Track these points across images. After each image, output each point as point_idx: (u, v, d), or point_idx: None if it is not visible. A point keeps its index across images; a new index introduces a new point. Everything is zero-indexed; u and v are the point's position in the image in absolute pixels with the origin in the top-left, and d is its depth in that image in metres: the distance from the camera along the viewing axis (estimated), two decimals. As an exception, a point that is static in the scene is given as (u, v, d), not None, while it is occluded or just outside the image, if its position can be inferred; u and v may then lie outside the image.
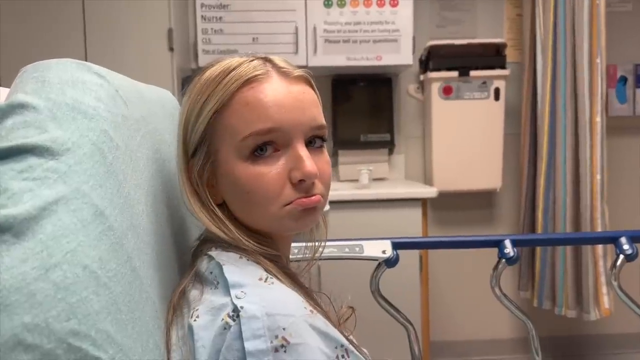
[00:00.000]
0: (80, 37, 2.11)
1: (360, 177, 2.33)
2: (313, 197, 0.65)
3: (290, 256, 0.78)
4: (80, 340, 0.46)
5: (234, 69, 0.65)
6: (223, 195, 0.68)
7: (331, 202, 2.03)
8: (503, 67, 2.47)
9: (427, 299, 2.21)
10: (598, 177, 2.23)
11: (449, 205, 2.65)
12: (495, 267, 1.22)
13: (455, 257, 2.61)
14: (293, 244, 0.78)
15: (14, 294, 0.45)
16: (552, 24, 2.30)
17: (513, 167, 2.63)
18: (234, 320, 0.55)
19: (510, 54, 2.57)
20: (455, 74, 2.45)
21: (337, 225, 2.02)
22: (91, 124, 0.59)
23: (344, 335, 0.62)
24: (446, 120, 2.49)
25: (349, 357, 0.58)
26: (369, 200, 2.14)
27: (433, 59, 2.48)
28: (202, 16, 2.32)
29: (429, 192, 2.18)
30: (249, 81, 0.64)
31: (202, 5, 2.32)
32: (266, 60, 0.68)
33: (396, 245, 1.21)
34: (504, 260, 1.20)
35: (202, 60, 2.33)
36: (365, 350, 0.69)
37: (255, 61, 0.67)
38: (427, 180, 2.64)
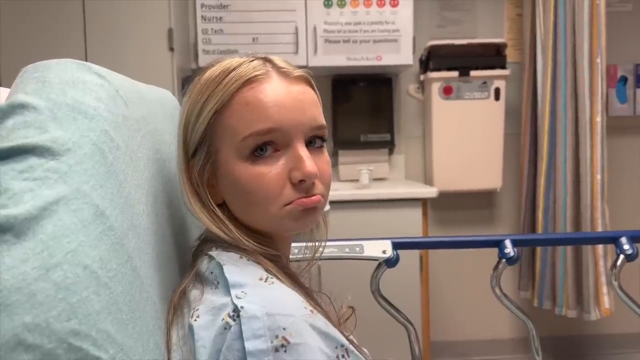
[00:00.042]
0: (80, 37, 2.11)
1: (360, 177, 2.34)
2: (313, 197, 0.65)
3: (291, 256, 0.78)
4: (80, 340, 0.46)
5: (234, 69, 0.65)
6: (223, 195, 0.68)
7: (331, 202, 2.03)
8: (503, 67, 2.47)
9: (428, 299, 2.21)
10: (598, 177, 2.23)
11: (449, 205, 2.65)
12: (496, 267, 1.22)
13: (455, 257, 2.61)
14: (293, 244, 0.78)
15: (14, 294, 0.45)
16: (552, 23, 2.30)
17: (513, 167, 2.63)
18: (234, 320, 0.55)
19: (510, 54, 2.57)
20: (455, 74, 2.45)
21: (338, 225, 2.01)
22: (92, 124, 0.59)
23: (344, 335, 0.62)
24: (446, 120, 2.49)
25: (349, 357, 0.58)
26: (369, 200, 2.14)
27: (433, 59, 2.48)
28: (202, 16, 2.32)
29: (429, 192, 2.18)
30: (249, 81, 0.65)
31: (202, 5, 2.32)
32: (266, 60, 0.68)
33: (396, 245, 1.21)
34: (504, 260, 1.20)
35: (202, 60, 2.33)
36: (365, 350, 0.69)
37: (255, 61, 0.67)
38: (428, 180, 2.64)
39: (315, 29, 2.33)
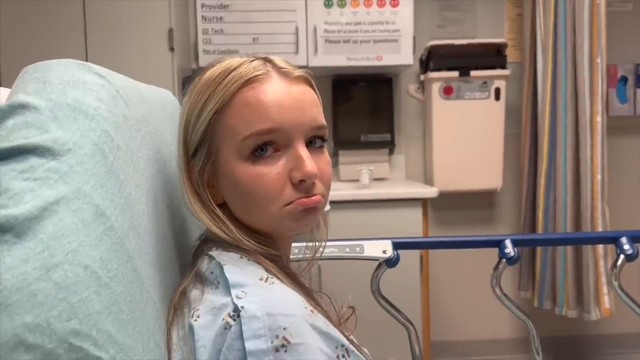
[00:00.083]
0: (80, 37, 2.11)
1: (360, 177, 2.34)
2: (313, 197, 0.65)
3: (291, 256, 0.78)
4: (81, 340, 0.46)
5: (234, 70, 0.66)
6: (223, 195, 0.68)
7: (332, 202, 2.03)
8: (503, 67, 2.47)
9: (428, 299, 2.21)
10: (599, 177, 2.23)
11: (450, 205, 2.65)
12: (496, 267, 1.22)
13: (455, 257, 2.61)
14: (294, 244, 0.78)
15: (15, 294, 0.45)
16: (552, 23, 2.30)
17: (513, 167, 2.63)
18: (234, 320, 0.55)
19: (510, 54, 2.57)
20: (455, 74, 2.45)
21: (338, 225, 2.02)
22: (92, 124, 0.59)
23: (345, 335, 0.62)
24: (447, 120, 2.49)
25: (349, 357, 0.58)
26: (369, 200, 2.14)
27: (433, 59, 2.48)
28: (202, 16, 2.32)
29: (430, 192, 2.18)
30: (250, 81, 0.65)
31: (203, 5, 2.32)
32: (266, 60, 0.68)
33: (397, 245, 1.21)
34: (504, 260, 1.20)
35: (203, 60, 2.33)
36: (365, 350, 0.69)
37: (256, 61, 0.67)
38: (428, 180, 2.64)
39: (315, 29, 2.33)
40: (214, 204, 0.67)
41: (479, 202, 2.69)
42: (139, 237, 0.61)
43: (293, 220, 0.66)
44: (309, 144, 0.67)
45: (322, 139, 0.69)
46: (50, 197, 0.51)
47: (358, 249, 1.21)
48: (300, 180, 0.64)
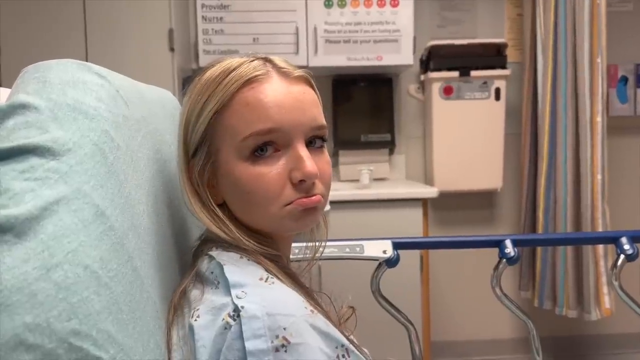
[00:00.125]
0: (81, 38, 2.11)
1: (360, 177, 2.34)
2: (313, 197, 0.65)
3: (291, 256, 0.78)
4: (81, 340, 0.46)
5: (234, 70, 0.66)
6: (223, 195, 0.68)
7: (332, 202, 2.03)
8: (504, 67, 2.47)
9: (428, 299, 2.21)
10: (599, 177, 2.23)
11: (450, 205, 2.65)
12: (496, 267, 1.22)
13: (456, 257, 2.61)
14: (294, 244, 0.78)
15: (15, 294, 0.45)
16: (552, 23, 2.30)
17: (514, 167, 2.63)
18: (234, 320, 0.55)
19: (510, 54, 2.57)
20: (455, 74, 2.45)
21: (338, 225, 2.02)
22: (92, 124, 0.59)
23: (345, 335, 0.62)
24: (447, 121, 2.49)
25: (349, 357, 0.58)
26: (369, 200, 2.14)
27: (434, 59, 2.48)
28: (202, 16, 2.32)
29: (430, 192, 2.18)
30: (249, 81, 0.65)
31: (203, 5, 2.32)
32: (266, 60, 0.68)
33: (397, 245, 1.21)
34: (504, 260, 1.20)
35: (203, 60, 2.33)
36: (366, 350, 0.69)
37: (256, 61, 0.67)
38: (428, 181, 2.64)
39: (315, 29, 2.33)
40: (213, 204, 0.67)
41: (479, 202, 2.69)
42: (139, 237, 0.61)
43: (293, 220, 0.66)
44: (309, 144, 0.67)
45: (322, 139, 0.69)
46: (50, 197, 0.51)
47: (358, 249, 1.21)
48: (300, 180, 0.64)
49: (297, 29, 2.32)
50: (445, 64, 2.46)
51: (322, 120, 0.68)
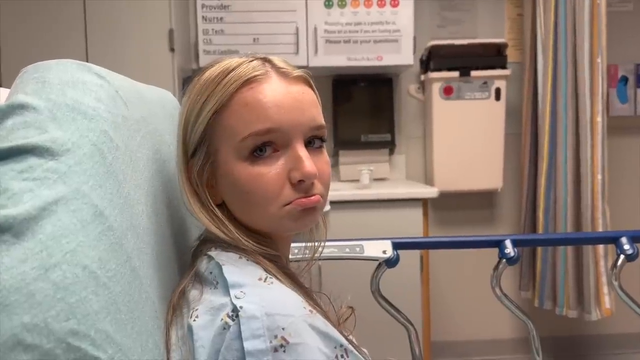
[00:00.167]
0: (81, 38, 2.11)
1: (361, 177, 2.33)
2: (312, 197, 0.65)
3: (290, 256, 0.78)
4: (79, 340, 0.46)
5: (233, 70, 0.66)
6: (222, 195, 0.68)
7: (332, 202, 2.04)
8: (504, 67, 2.47)
9: (428, 299, 2.21)
10: (599, 177, 2.23)
11: (450, 205, 2.65)
12: (496, 267, 1.22)
13: (456, 257, 2.60)
14: (293, 244, 0.78)
15: (13, 294, 0.45)
16: (552, 23, 2.30)
17: (514, 167, 2.62)
18: (233, 320, 0.55)
19: (511, 54, 2.57)
20: (456, 74, 2.45)
21: (338, 225, 2.03)
22: (91, 124, 0.59)
23: (344, 335, 0.62)
24: (447, 121, 2.49)
25: (348, 357, 0.58)
26: (369, 200, 2.14)
27: (434, 59, 2.47)
28: (202, 17, 2.32)
29: (430, 192, 2.18)
30: (248, 82, 0.65)
31: (203, 5, 2.32)
32: (265, 60, 0.68)
33: (396, 246, 1.21)
34: (504, 260, 1.20)
35: (203, 60, 2.33)
36: (365, 351, 0.69)
37: (255, 62, 0.67)
38: (428, 181, 2.63)
39: (315, 29, 2.33)
40: (213, 204, 0.67)
41: (479, 202, 2.69)
42: (138, 237, 0.61)
43: (292, 221, 0.66)
44: (308, 144, 0.67)
45: (321, 139, 0.69)
46: (49, 197, 0.51)
47: (358, 249, 1.21)
48: (299, 181, 0.64)
49: (297, 29, 2.32)
50: (445, 64, 2.46)
51: (321, 120, 0.68)
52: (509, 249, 1.19)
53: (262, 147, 0.64)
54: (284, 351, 0.53)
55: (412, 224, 2.13)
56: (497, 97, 2.47)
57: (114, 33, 2.13)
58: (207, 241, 0.69)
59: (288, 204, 0.64)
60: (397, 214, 2.13)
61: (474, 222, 2.69)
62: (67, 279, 0.48)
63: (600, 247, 2.23)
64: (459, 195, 2.59)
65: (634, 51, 2.64)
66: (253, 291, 0.58)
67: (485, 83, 2.46)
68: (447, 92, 2.46)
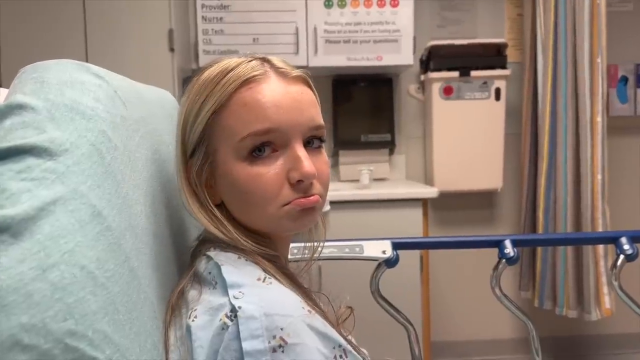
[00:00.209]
0: (81, 38, 2.11)
1: (360, 177, 2.33)
2: (311, 197, 0.65)
3: (290, 256, 0.78)
4: (77, 341, 0.46)
5: (232, 70, 0.65)
6: (221, 195, 0.68)
7: (332, 202, 2.03)
8: (504, 67, 2.47)
9: (428, 299, 2.21)
10: (599, 177, 2.23)
11: (450, 205, 2.65)
12: (496, 268, 1.22)
13: (456, 257, 2.60)
14: (293, 245, 0.77)
15: (11, 295, 0.45)
16: (552, 23, 2.29)
17: (514, 167, 2.62)
18: (231, 320, 0.55)
19: (511, 54, 2.57)
20: (456, 74, 2.45)
21: (338, 225, 2.02)
22: (89, 124, 0.59)
23: (343, 336, 0.62)
24: (447, 121, 2.49)
25: (347, 357, 0.58)
26: (369, 200, 2.14)
27: (434, 59, 2.47)
28: (202, 17, 2.32)
29: (430, 192, 2.18)
30: (247, 82, 0.65)
31: (203, 5, 2.32)
32: (264, 60, 0.68)
33: (396, 246, 1.21)
34: (504, 260, 1.20)
35: (203, 60, 2.33)
36: (364, 351, 0.69)
37: (254, 62, 0.67)
38: (428, 181, 2.63)
39: (315, 29, 2.33)
40: (211, 204, 0.67)
41: (479, 202, 2.69)
42: (137, 238, 0.61)
43: (291, 221, 0.65)
44: (307, 144, 0.67)
45: (320, 139, 0.69)
46: (47, 198, 0.51)
47: (357, 249, 1.21)
48: (298, 181, 0.64)
49: (297, 29, 2.32)
50: (445, 64, 2.46)
51: (320, 120, 0.68)
52: (509, 249, 1.19)
53: (261, 147, 0.64)
54: (283, 351, 0.53)
55: (412, 224, 2.13)
56: (497, 97, 2.47)
57: (113, 33, 2.13)
58: (206, 241, 0.69)
59: (287, 204, 0.64)
60: (397, 214, 2.13)
61: (474, 222, 2.69)
62: (65, 279, 0.48)
63: (600, 247, 2.23)
64: (458, 195, 2.59)
65: (634, 51, 2.64)
66: (252, 291, 0.57)
67: (485, 83, 2.46)
68: (447, 92, 2.46)
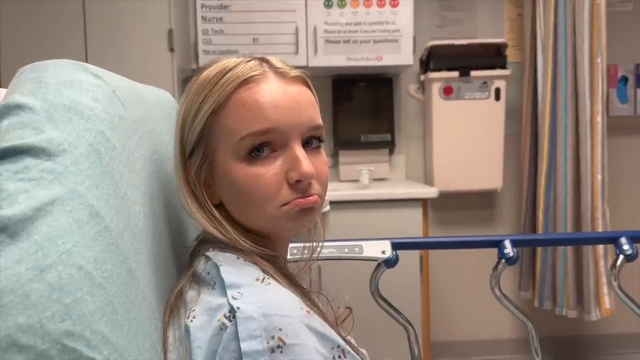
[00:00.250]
0: (80, 38, 2.11)
1: (360, 177, 2.33)
2: (310, 198, 0.65)
3: (289, 256, 0.78)
4: (74, 341, 0.46)
5: (230, 70, 0.65)
6: (220, 195, 0.68)
7: (332, 203, 2.03)
8: (504, 67, 2.47)
9: (428, 299, 2.20)
10: (599, 177, 2.22)
11: (450, 205, 2.65)
12: (495, 268, 1.22)
13: (455, 257, 2.60)
14: (293, 245, 0.77)
15: (8, 295, 0.45)
16: (552, 23, 2.29)
17: (514, 167, 2.62)
18: (230, 320, 0.55)
19: (510, 54, 2.57)
20: (455, 74, 2.45)
21: (338, 225, 2.03)
22: (88, 124, 0.59)
23: (342, 336, 0.62)
24: (447, 121, 2.49)
25: (345, 357, 0.58)
26: (369, 200, 2.13)
27: (433, 59, 2.47)
28: (202, 17, 2.32)
29: (430, 192, 2.18)
30: (246, 82, 0.64)
31: (203, 5, 2.32)
32: (263, 60, 0.68)
33: (396, 246, 1.21)
34: (503, 260, 1.19)
35: (203, 60, 2.33)
36: (363, 351, 0.69)
37: (252, 62, 0.67)
38: (428, 181, 2.63)
39: (315, 29, 2.33)
40: (210, 205, 0.67)
41: (479, 202, 2.69)
42: (135, 238, 0.61)
43: (290, 221, 0.65)
44: (306, 144, 0.67)
45: (319, 139, 0.69)
46: (44, 198, 0.51)
47: (357, 249, 1.20)
48: (297, 181, 0.64)
49: (297, 29, 2.32)
50: (445, 64, 2.46)
51: (318, 120, 0.68)
52: (509, 249, 1.19)
53: (260, 148, 0.64)
54: (281, 352, 0.53)
55: (411, 224, 2.13)
56: (497, 97, 2.47)
57: (113, 33, 2.13)
58: (205, 242, 0.69)
59: (286, 204, 0.64)
60: (396, 214, 2.12)
61: (474, 222, 2.69)
62: (62, 280, 0.48)
63: (600, 247, 2.23)
64: (458, 195, 2.59)
65: (634, 51, 2.64)
66: (250, 292, 0.57)
67: (485, 83, 2.46)
68: (447, 92, 2.46)
